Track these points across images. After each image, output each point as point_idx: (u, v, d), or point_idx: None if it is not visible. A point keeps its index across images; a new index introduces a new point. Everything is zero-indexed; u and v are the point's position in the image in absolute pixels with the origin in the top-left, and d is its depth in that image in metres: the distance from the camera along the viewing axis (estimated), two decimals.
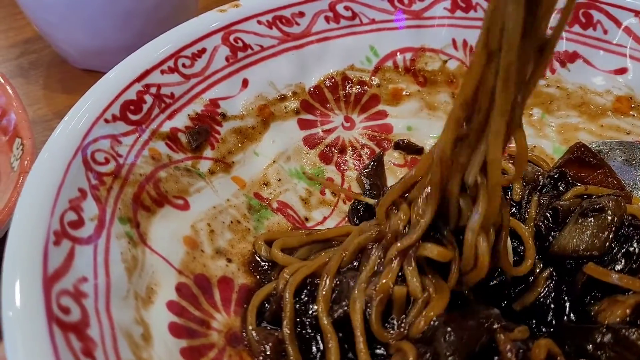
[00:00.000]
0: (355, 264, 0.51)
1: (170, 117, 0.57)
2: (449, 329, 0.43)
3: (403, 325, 0.45)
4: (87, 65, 0.93)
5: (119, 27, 0.84)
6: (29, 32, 1.02)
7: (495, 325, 0.44)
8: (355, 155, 0.67)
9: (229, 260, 0.54)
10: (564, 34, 0.68)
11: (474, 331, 0.44)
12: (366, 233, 0.50)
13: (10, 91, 0.71)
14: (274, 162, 0.63)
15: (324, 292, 0.48)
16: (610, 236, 0.50)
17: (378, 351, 0.46)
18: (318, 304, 0.48)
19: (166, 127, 0.56)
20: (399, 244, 0.46)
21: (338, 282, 0.49)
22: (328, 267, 0.50)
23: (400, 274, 0.46)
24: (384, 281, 0.46)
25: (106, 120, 0.51)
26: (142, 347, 0.42)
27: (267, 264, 0.55)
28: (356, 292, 0.46)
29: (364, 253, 0.50)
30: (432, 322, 0.45)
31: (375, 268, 0.47)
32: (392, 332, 0.46)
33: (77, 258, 0.42)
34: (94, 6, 0.80)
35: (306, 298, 0.49)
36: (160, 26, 0.85)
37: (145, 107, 0.55)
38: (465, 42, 0.69)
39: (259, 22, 0.65)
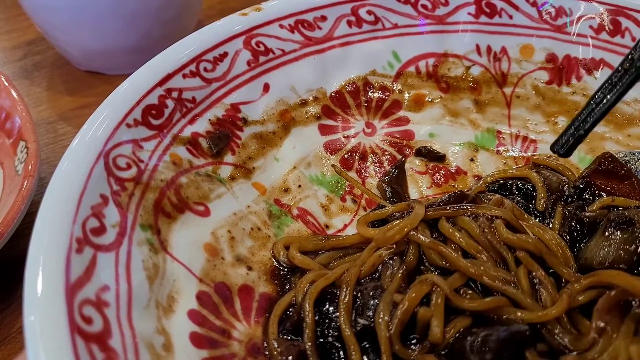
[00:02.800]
0: (374, 275, 0.51)
1: (191, 121, 0.56)
2: (478, 339, 0.42)
3: (426, 341, 0.45)
4: (91, 67, 0.93)
5: (123, 28, 0.83)
6: (32, 33, 1.02)
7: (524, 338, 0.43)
8: (376, 161, 0.66)
9: (250, 268, 0.53)
10: (590, 41, 0.66)
11: (500, 343, 0.43)
12: (387, 247, 0.50)
13: (14, 94, 0.71)
14: (294, 168, 0.62)
15: (345, 303, 0.47)
16: (639, 250, 0.49)
17: None
18: (340, 315, 0.47)
19: (187, 132, 0.55)
20: (437, 280, 0.46)
21: (359, 294, 0.48)
22: (347, 277, 0.49)
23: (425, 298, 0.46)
24: (408, 301, 0.45)
25: (128, 125, 0.50)
26: (163, 357, 0.41)
27: (287, 271, 0.55)
28: (381, 308, 0.46)
29: (384, 264, 0.50)
30: (457, 334, 0.44)
31: (401, 288, 0.47)
32: (413, 347, 0.45)
33: (99, 266, 0.41)
34: (98, 8, 0.80)
35: (327, 309, 0.49)
36: (165, 27, 0.86)
37: (167, 112, 0.54)
38: (489, 48, 0.68)
39: (281, 26, 0.64)
